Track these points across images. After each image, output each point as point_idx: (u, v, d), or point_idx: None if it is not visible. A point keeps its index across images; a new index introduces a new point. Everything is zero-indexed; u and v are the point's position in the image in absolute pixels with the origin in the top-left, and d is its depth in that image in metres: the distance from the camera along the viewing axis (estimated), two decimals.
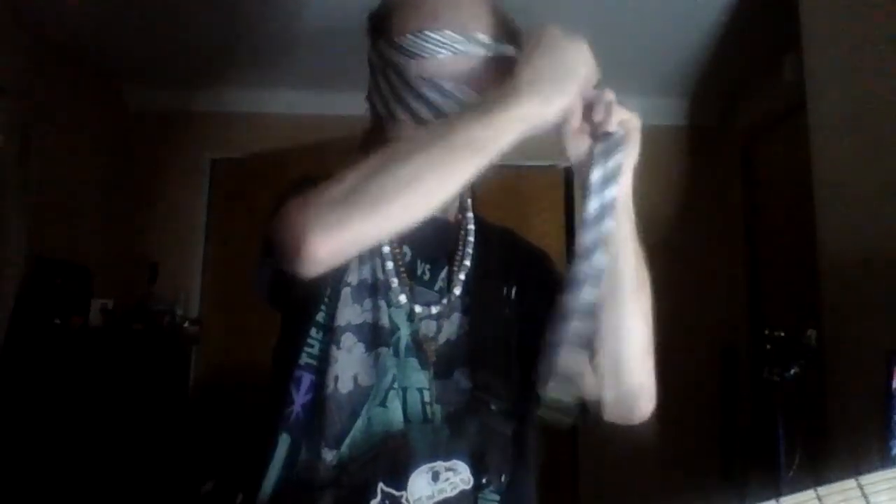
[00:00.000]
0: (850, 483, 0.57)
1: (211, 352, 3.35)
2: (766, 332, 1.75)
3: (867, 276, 1.78)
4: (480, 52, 0.79)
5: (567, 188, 3.50)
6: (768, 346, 1.72)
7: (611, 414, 0.81)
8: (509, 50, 0.80)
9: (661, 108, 3.52)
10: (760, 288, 3.20)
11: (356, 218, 0.63)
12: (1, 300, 2.44)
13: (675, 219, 3.31)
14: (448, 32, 0.78)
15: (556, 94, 0.69)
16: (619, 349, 0.77)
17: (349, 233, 0.63)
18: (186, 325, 3.28)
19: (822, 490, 0.57)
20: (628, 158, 0.75)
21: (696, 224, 3.41)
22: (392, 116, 0.82)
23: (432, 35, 0.78)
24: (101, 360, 2.73)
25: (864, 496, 0.56)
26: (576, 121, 0.74)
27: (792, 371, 1.66)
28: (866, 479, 0.57)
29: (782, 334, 1.71)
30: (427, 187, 0.64)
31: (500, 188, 3.33)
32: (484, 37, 0.79)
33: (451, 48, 0.78)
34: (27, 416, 2.39)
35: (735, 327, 3.22)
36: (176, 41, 3.00)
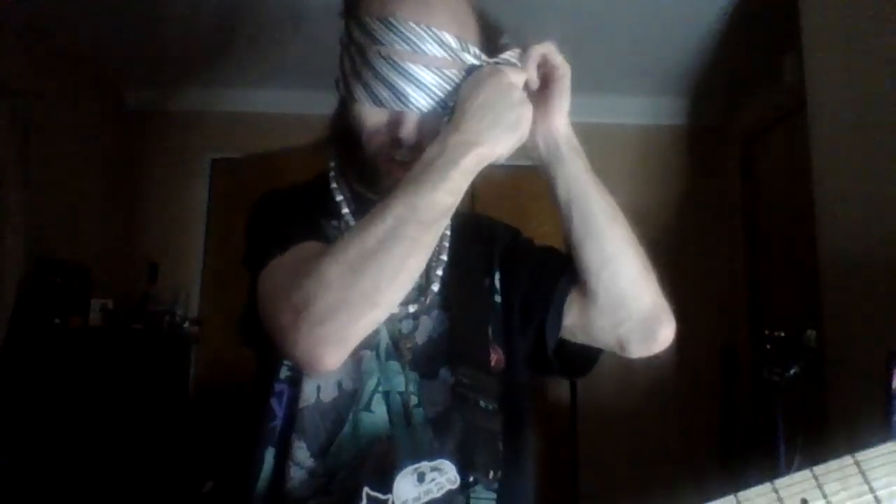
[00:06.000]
0: (847, 460, 0.56)
1: (211, 352, 3.34)
2: (766, 332, 1.75)
3: (867, 276, 1.78)
4: (441, 53, 0.75)
5: None
6: (768, 346, 1.72)
7: (635, 348, 0.82)
8: (474, 58, 0.77)
9: (661, 108, 3.52)
10: (760, 288, 3.20)
11: (360, 321, 0.65)
12: (1, 300, 2.44)
13: (675, 219, 3.31)
14: (411, 25, 0.74)
15: (504, 134, 0.70)
16: (616, 279, 0.79)
17: (356, 335, 0.66)
18: (186, 325, 3.28)
19: (818, 469, 0.56)
20: (562, 99, 0.79)
21: (696, 224, 3.41)
22: (352, 97, 0.79)
23: (395, 24, 0.74)
24: (101, 360, 2.73)
25: (862, 473, 0.55)
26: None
27: (792, 371, 1.66)
28: (863, 455, 0.56)
29: (782, 334, 1.71)
30: (414, 265, 0.67)
31: (500, 188, 3.33)
32: (450, 38, 0.75)
33: (410, 42, 0.74)
34: (27, 415, 2.39)
35: (735, 327, 3.22)
36: (176, 41, 3.00)
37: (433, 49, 0.74)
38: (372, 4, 0.78)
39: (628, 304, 0.79)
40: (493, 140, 0.70)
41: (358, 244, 0.65)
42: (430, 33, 0.74)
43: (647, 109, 3.48)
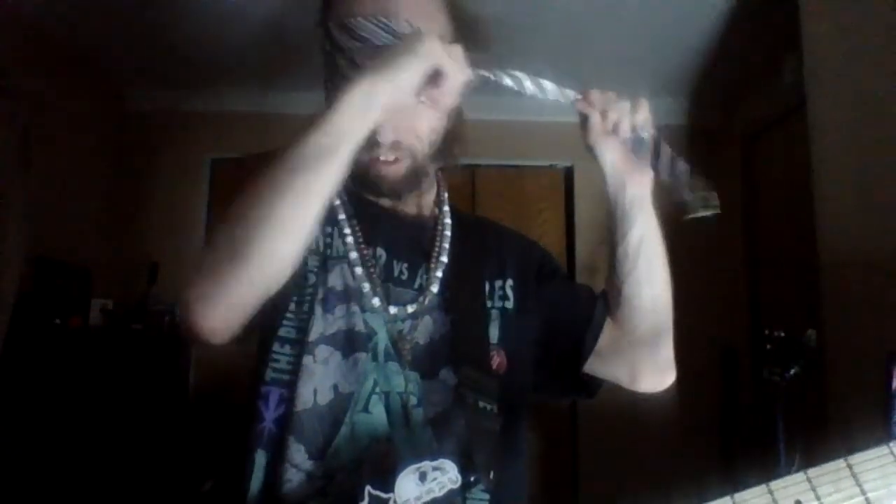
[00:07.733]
0: (840, 463, 0.57)
1: (210, 352, 3.33)
2: (766, 332, 1.75)
3: (867, 276, 1.78)
4: (396, 42, 0.75)
5: (567, 188, 3.49)
6: (768, 346, 1.72)
7: (644, 384, 0.89)
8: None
9: (661, 108, 3.51)
10: (760, 288, 3.20)
11: (231, 279, 0.63)
12: (1, 300, 2.44)
13: (674, 218, 3.31)
14: (362, 22, 0.75)
15: (390, 68, 0.68)
16: (658, 324, 0.85)
17: (231, 296, 0.64)
18: None
19: (812, 471, 0.57)
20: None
21: (696, 224, 3.41)
22: (330, 102, 0.80)
23: (350, 27, 0.76)
24: (101, 360, 2.73)
25: (854, 475, 0.56)
26: (597, 124, 0.80)
27: (792, 371, 1.66)
28: (855, 458, 0.57)
29: (782, 334, 1.71)
30: (286, 217, 0.64)
31: (500, 188, 3.34)
32: (404, 25, 0.76)
33: (365, 40, 0.75)
34: (27, 416, 2.39)
35: (735, 327, 3.22)
36: (176, 41, 3.00)
37: (388, 40, 0.75)
38: (333, 11, 0.79)
39: (660, 344, 0.86)
40: (383, 67, 0.67)
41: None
42: (381, 24, 0.75)
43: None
